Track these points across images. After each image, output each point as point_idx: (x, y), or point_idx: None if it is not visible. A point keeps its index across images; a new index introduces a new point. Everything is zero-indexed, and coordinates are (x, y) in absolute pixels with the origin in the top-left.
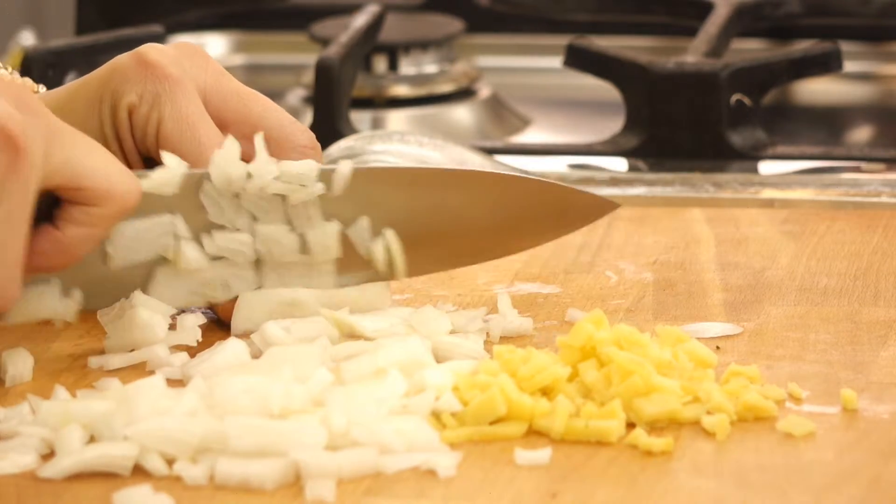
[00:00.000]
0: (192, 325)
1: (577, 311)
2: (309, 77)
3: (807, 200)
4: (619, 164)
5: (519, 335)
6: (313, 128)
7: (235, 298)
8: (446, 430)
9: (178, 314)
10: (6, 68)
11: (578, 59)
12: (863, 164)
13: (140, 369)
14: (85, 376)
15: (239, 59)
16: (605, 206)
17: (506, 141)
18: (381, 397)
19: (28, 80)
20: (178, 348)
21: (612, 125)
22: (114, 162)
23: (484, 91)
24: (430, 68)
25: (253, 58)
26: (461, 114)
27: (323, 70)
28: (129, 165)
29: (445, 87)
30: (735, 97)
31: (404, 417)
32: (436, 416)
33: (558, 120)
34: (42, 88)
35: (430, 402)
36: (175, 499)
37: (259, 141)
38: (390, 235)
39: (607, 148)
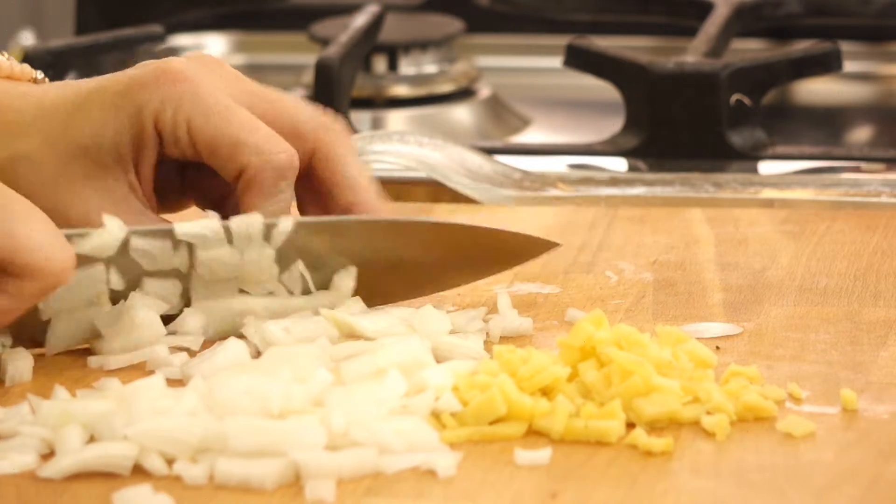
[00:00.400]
0: (195, 328)
1: (577, 311)
2: (309, 77)
3: (807, 200)
4: (618, 164)
5: (519, 335)
6: None
7: None
8: (446, 430)
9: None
10: (4, 55)
11: (578, 59)
12: (863, 164)
13: (140, 369)
14: (85, 376)
15: (239, 59)
16: (541, 246)
17: (506, 141)
18: (381, 397)
19: (27, 67)
20: (177, 348)
21: (612, 125)
22: (52, 234)
23: (484, 91)
24: (430, 68)
25: (253, 58)
26: (461, 114)
27: (323, 70)
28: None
29: (445, 87)
30: (735, 97)
31: (404, 417)
32: (436, 416)
33: (558, 120)
34: (40, 75)
35: (430, 402)
36: (175, 499)
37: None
38: (345, 274)
39: (607, 148)
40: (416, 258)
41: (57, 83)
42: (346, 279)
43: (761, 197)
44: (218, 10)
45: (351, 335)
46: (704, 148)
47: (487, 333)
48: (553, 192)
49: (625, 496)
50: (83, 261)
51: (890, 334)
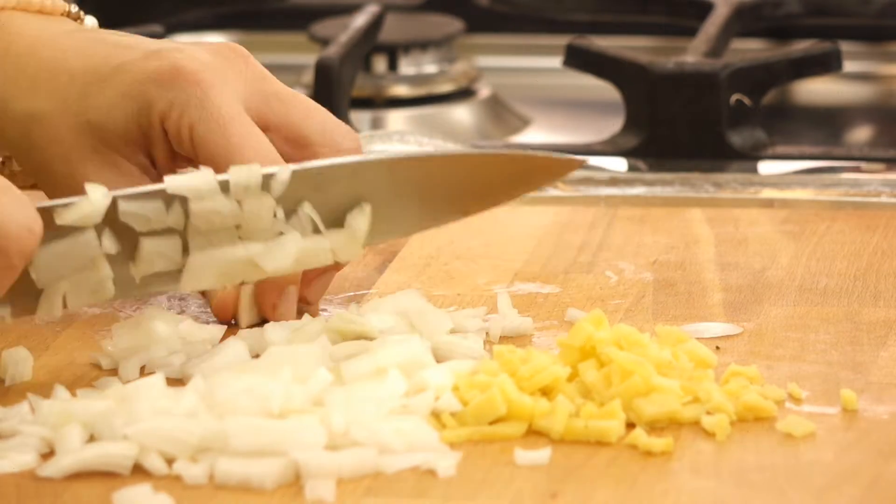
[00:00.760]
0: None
1: (577, 311)
2: (309, 77)
3: (807, 200)
4: (618, 164)
5: (519, 335)
6: None
7: (230, 290)
8: (446, 429)
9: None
10: None
11: (578, 59)
12: (863, 164)
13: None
14: (85, 376)
15: None
16: (563, 166)
17: (506, 141)
18: (381, 397)
19: (59, 1)
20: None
21: (612, 125)
22: (16, 204)
23: (484, 91)
24: (430, 68)
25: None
26: (461, 114)
27: (323, 70)
28: (157, 166)
29: (445, 87)
30: (735, 97)
31: (404, 417)
32: (436, 415)
33: (558, 120)
34: (74, 9)
35: (430, 402)
36: (175, 498)
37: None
38: (361, 212)
39: (607, 148)
40: (435, 190)
41: (92, 33)
42: (360, 218)
43: (761, 197)
44: (218, 10)
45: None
46: (704, 148)
47: (487, 333)
48: (553, 192)
49: (625, 496)
50: (71, 230)
51: (890, 334)
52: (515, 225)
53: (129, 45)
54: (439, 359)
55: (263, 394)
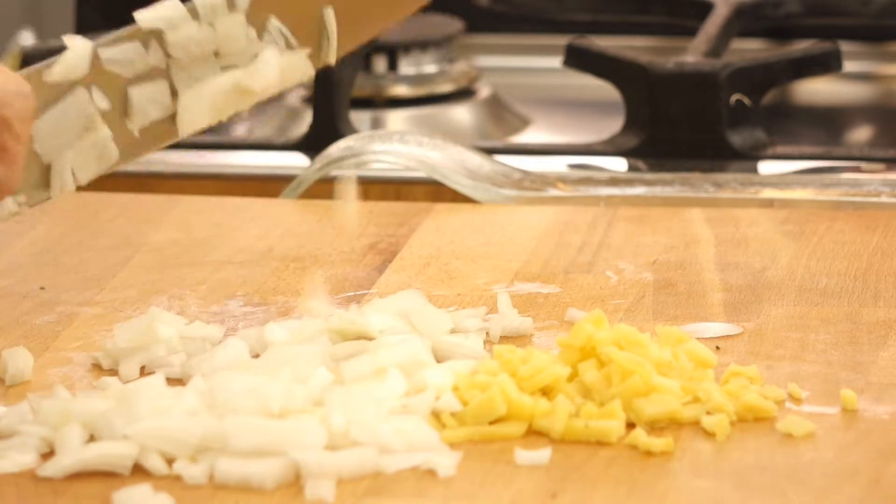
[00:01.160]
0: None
1: (577, 311)
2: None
3: (807, 200)
4: (618, 164)
5: (519, 335)
6: (313, 128)
7: None
8: (446, 429)
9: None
10: None
11: (578, 59)
12: (863, 164)
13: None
14: (85, 376)
15: None
16: None
17: (505, 141)
18: (381, 397)
19: None
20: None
21: (612, 125)
22: (1, 73)
23: (484, 91)
24: (430, 68)
25: None
26: (461, 114)
27: (323, 70)
28: None
29: (445, 87)
30: (735, 97)
31: (404, 417)
32: (436, 415)
33: (558, 120)
34: None
35: (430, 401)
36: (175, 498)
37: None
38: (329, 15)
39: (607, 148)
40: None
41: None
42: (330, 20)
43: (761, 197)
44: None
45: (353, 335)
46: (704, 148)
47: (487, 333)
48: (553, 192)
49: (625, 496)
50: (60, 89)
51: (890, 334)
52: (515, 225)
53: None
54: (439, 359)
55: (263, 394)
